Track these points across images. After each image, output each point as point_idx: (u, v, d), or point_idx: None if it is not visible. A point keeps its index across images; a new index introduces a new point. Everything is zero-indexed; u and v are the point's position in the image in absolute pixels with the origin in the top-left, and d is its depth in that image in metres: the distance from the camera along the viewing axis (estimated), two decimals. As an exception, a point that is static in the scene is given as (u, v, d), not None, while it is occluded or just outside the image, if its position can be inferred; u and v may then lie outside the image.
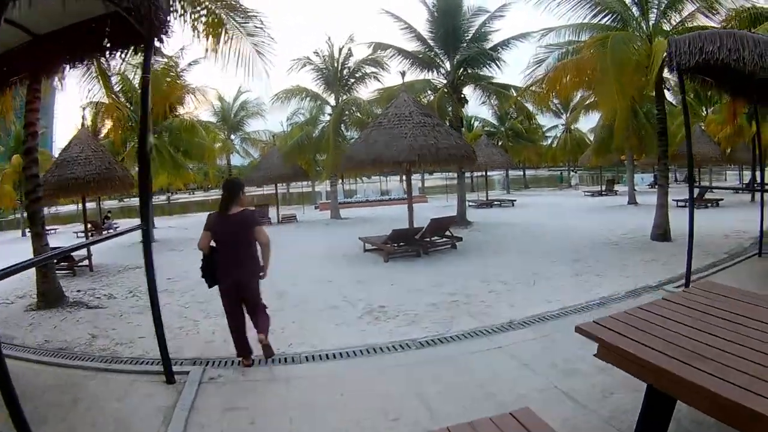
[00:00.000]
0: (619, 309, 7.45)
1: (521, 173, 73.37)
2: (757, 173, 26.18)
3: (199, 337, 9.61)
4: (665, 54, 10.64)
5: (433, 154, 17.71)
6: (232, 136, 48.56)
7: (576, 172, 71.71)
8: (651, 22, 18.07)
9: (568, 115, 57.69)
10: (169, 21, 7.00)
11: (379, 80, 32.91)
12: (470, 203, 35.21)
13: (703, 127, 36.76)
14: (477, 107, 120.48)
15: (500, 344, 8.18)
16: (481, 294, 11.83)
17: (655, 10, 18.09)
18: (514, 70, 23.98)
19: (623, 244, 17.73)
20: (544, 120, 57.32)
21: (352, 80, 33.87)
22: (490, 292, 11.94)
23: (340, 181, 40.33)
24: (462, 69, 26.25)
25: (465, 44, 25.91)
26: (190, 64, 29.76)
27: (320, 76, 34.18)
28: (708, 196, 31.67)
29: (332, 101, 34.41)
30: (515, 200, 40.30)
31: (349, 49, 33.41)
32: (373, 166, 18.85)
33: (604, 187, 47.12)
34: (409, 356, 8.01)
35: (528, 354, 7.63)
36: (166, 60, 24.43)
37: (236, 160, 54.27)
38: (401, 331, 9.35)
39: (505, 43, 25.64)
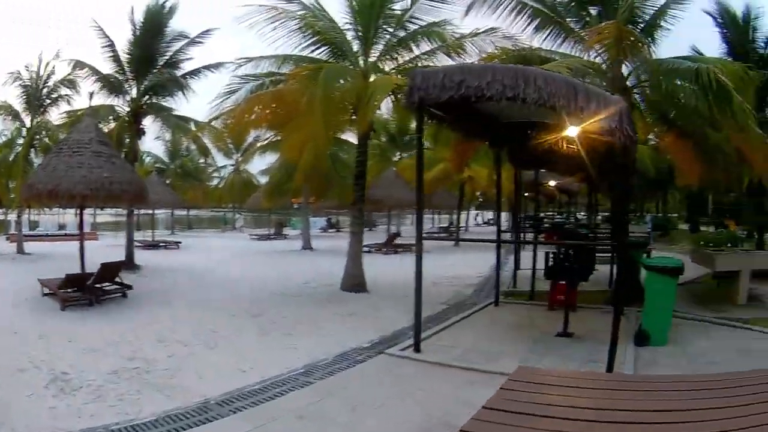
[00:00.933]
0: (333, 377, 8.33)
1: (185, 213, 70.50)
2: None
3: None
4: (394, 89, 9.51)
5: (107, 188, 16.32)
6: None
7: (241, 214, 70.33)
8: (371, 59, 17.13)
9: (239, 155, 56.76)
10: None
11: (69, 103, 29.46)
12: (137, 243, 31.49)
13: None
14: (152, 142, 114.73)
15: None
16: (160, 358, 10.07)
17: (380, 47, 17.30)
18: (204, 102, 22.48)
19: (308, 295, 16.95)
20: (217, 159, 56.64)
21: (48, 101, 29.88)
22: (170, 357, 10.21)
23: (27, 211, 35.92)
24: (147, 97, 24.16)
25: (156, 70, 23.84)
26: None
27: (24, 94, 29.62)
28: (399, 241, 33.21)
29: (28, 122, 29.99)
30: (180, 242, 37.88)
31: (53, 67, 29.38)
32: (50, 197, 16.76)
33: (272, 231, 46.64)
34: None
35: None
36: None
37: None
38: (89, 410, 7.48)
39: (195, 72, 24.19)
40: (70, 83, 28.80)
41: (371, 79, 16.38)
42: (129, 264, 22.14)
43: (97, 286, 15.84)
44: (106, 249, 30.42)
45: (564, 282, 12.67)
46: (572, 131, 10.15)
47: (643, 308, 10.95)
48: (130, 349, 10.67)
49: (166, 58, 23.98)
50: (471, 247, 32.39)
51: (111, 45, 23.29)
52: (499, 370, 7.84)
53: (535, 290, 15.38)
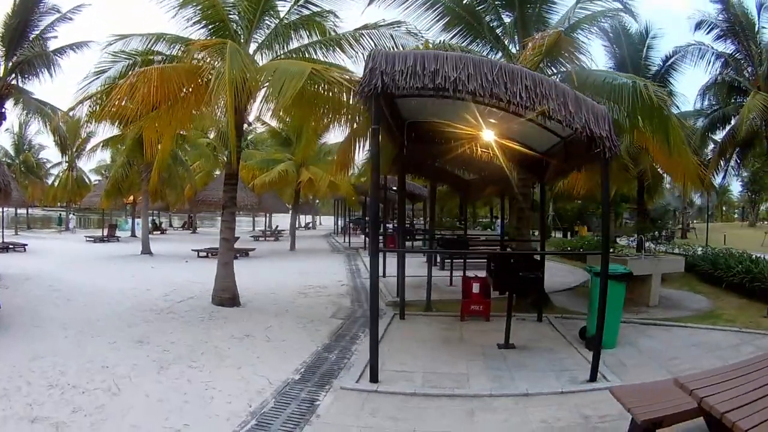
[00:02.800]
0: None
1: (23, 212, 65.42)
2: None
3: None
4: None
5: None
6: None
7: (74, 215, 65.73)
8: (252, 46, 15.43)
9: (73, 150, 52.36)
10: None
11: None
12: None
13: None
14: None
15: None
16: (64, 418, 7.03)
17: (264, 33, 15.58)
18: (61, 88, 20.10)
19: (183, 313, 14.28)
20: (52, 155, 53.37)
21: None
22: (74, 413, 7.22)
23: None
24: (13, 75, 21.48)
25: (27, 45, 21.13)
26: None
27: None
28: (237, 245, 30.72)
29: None
30: (27, 244, 33.18)
31: None
32: None
33: (106, 233, 43.31)
34: None
35: None
36: None
37: None
38: None
39: (61, 50, 21.87)
40: None
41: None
42: None
43: None
44: None
45: (477, 292, 12.87)
46: (489, 136, 10.47)
47: (589, 312, 11.11)
48: (18, 404, 7.48)
49: (37, 32, 21.50)
50: (305, 251, 33.64)
51: None
52: (485, 392, 8.01)
53: (430, 300, 14.78)
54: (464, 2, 16.08)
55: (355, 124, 15.11)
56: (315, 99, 13.94)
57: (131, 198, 42.09)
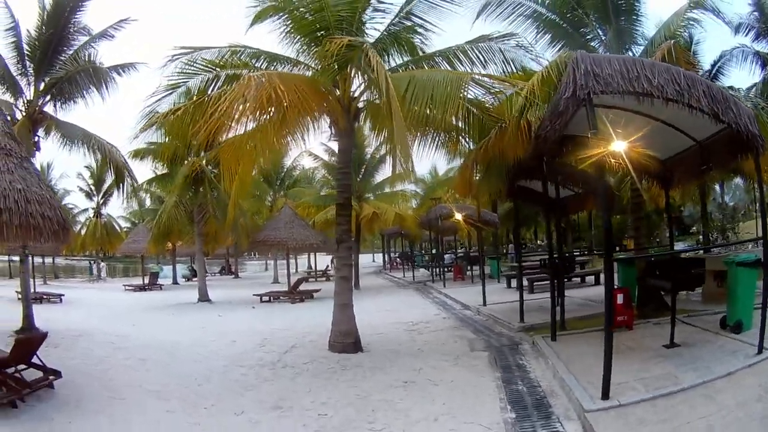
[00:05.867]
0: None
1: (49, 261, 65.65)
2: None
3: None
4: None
5: (22, 211, 9.98)
6: None
7: (104, 263, 66.27)
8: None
9: (99, 197, 54.41)
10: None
11: None
12: (19, 296, 27.87)
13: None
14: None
15: None
16: None
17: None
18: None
19: (302, 365, 13.35)
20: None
21: None
22: None
23: None
24: (50, 97, 19.67)
25: (62, 61, 19.54)
26: None
27: None
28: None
29: None
30: (63, 294, 32.18)
31: None
32: None
33: (147, 281, 42.75)
34: None
35: None
36: None
37: None
38: None
39: (118, 68, 20.70)
40: None
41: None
42: (29, 329, 17.77)
43: (16, 374, 10.38)
44: None
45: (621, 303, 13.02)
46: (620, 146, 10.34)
47: (729, 301, 12.12)
48: None
49: (72, 50, 19.90)
50: (370, 289, 33.85)
51: (11, 28, 18.93)
52: (698, 381, 8.79)
53: (557, 320, 14.37)
54: (568, 16, 16.84)
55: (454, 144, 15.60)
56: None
57: (171, 243, 42.28)
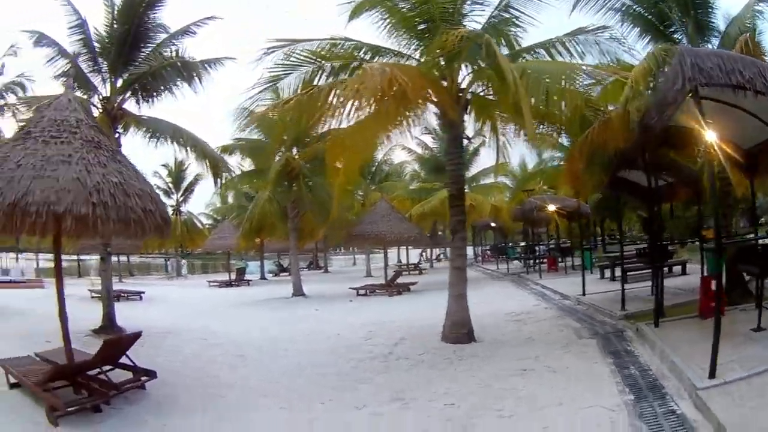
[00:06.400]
0: None
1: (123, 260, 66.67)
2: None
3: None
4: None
5: (120, 205, 9.65)
6: None
7: (185, 260, 67.51)
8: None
9: (179, 195, 55.58)
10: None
11: (15, 115, 24.64)
12: (93, 294, 28.18)
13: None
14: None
15: None
16: None
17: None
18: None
19: (417, 356, 13.39)
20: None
21: None
22: None
23: None
24: (130, 93, 19.59)
25: (143, 55, 19.53)
26: None
27: None
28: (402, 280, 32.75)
29: None
30: (143, 292, 32.08)
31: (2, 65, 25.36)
32: (12, 219, 9.00)
33: (233, 277, 43.65)
34: None
35: None
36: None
37: None
38: None
39: (207, 63, 20.52)
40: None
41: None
42: (110, 328, 17.84)
43: (101, 375, 10.12)
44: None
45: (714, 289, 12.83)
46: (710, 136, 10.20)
47: None
48: None
49: (151, 47, 19.80)
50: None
51: (79, 25, 18.86)
52: None
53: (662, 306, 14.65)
54: (653, 10, 17.28)
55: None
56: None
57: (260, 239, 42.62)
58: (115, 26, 18.78)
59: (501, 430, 8.31)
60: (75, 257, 50.66)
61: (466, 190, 36.69)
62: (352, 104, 12.20)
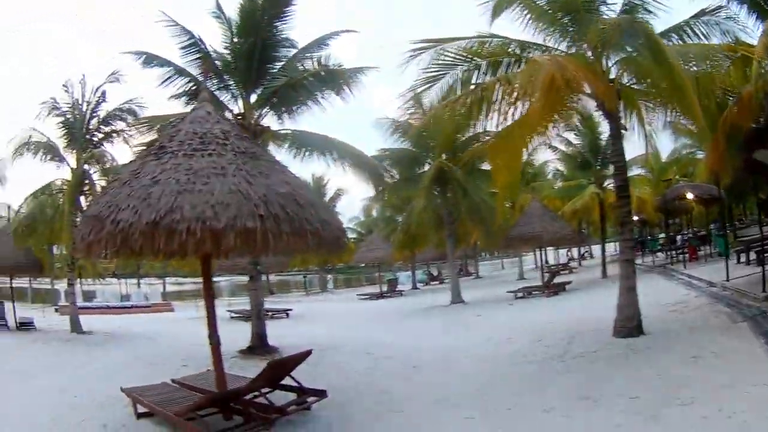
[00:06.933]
0: None
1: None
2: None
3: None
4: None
5: (294, 216, 8.72)
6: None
7: (329, 275, 68.54)
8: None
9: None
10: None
11: (127, 141, 24.24)
12: (233, 314, 29.48)
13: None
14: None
15: None
16: None
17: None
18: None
19: (591, 354, 13.11)
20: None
21: (100, 135, 25.20)
22: None
23: (79, 278, 29.51)
24: (269, 107, 19.11)
25: (276, 68, 18.98)
26: None
27: (65, 125, 24.84)
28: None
29: (72, 161, 24.93)
30: (291, 309, 32.30)
31: (103, 93, 24.68)
32: (153, 239, 8.11)
33: (384, 289, 43.81)
34: None
35: None
36: None
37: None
38: None
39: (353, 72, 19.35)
40: (129, 112, 24.51)
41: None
42: (260, 347, 17.44)
43: (259, 398, 9.76)
44: (194, 323, 25.93)
45: None
46: None
47: None
48: None
49: (287, 57, 19.11)
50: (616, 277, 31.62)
51: (193, 44, 18.36)
52: None
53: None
54: None
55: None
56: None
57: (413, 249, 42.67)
58: (235, 42, 18.47)
59: (686, 417, 8.31)
60: (198, 280, 51.77)
61: (610, 186, 36.64)
62: (523, 98, 12.45)
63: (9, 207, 34.40)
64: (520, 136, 14.41)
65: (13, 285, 28.66)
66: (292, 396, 10.17)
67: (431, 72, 14.68)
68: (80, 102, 24.78)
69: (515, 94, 12.65)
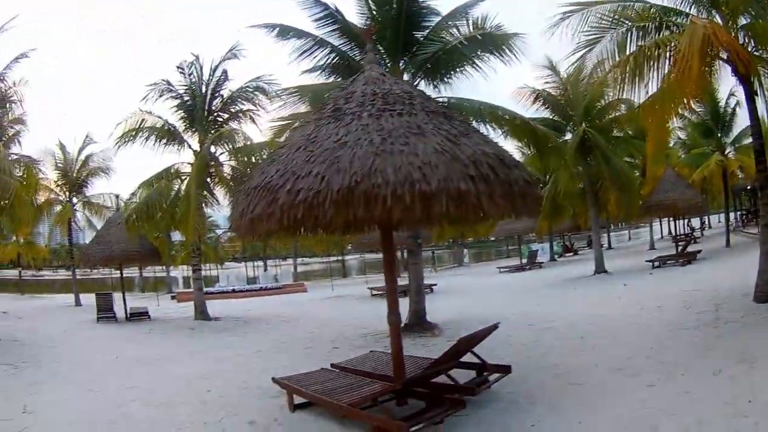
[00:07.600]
0: None
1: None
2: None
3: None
4: None
5: (504, 178, 7.78)
6: (74, 200, 37.99)
7: (466, 249, 67.76)
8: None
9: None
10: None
11: (255, 121, 24.71)
12: (375, 291, 29.56)
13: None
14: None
15: None
16: None
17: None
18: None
19: (739, 318, 13.15)
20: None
21: (225, 115, 25.21)
22: None
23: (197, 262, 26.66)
24: (420, 75, 18.60)
25: (423, 38, 18.33)
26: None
27: (182, 108, 24.56)
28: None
29: (195, 144, 24.59)
30: (436, 284, 31.52)
31: (224, 72, 24.40)
32: (346, 208, 7.25)
33: (525, 261, 44.06)
34: None
35: None
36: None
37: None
38: None
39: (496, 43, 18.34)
40: (257, 90, 24.26)
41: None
42: (419, 324, 17.26)
43: (444, 380, 9.20)
44: (332, 304, 27.91)
45: None
46: None
47: None
48: None
49: (434, 22, 18.39)
50: (743, 247, 31.60)
51: (328, 15, 18.01)
52: None
53: None
54: None
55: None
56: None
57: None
58: (374, 12, 17.98)
59: None
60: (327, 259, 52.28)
61: (730, 154, 35.43)
62: (681, 61, 12.10)
63: (117, 197, 35.91)
64: (672, 101, 14.37)
65: (123, 275, 28.75)
66: (465, 374, 9.66)
67: (590, 35, 15.14)
68: (199, 82, 24.46)
69: (672, 57, 12.75)
